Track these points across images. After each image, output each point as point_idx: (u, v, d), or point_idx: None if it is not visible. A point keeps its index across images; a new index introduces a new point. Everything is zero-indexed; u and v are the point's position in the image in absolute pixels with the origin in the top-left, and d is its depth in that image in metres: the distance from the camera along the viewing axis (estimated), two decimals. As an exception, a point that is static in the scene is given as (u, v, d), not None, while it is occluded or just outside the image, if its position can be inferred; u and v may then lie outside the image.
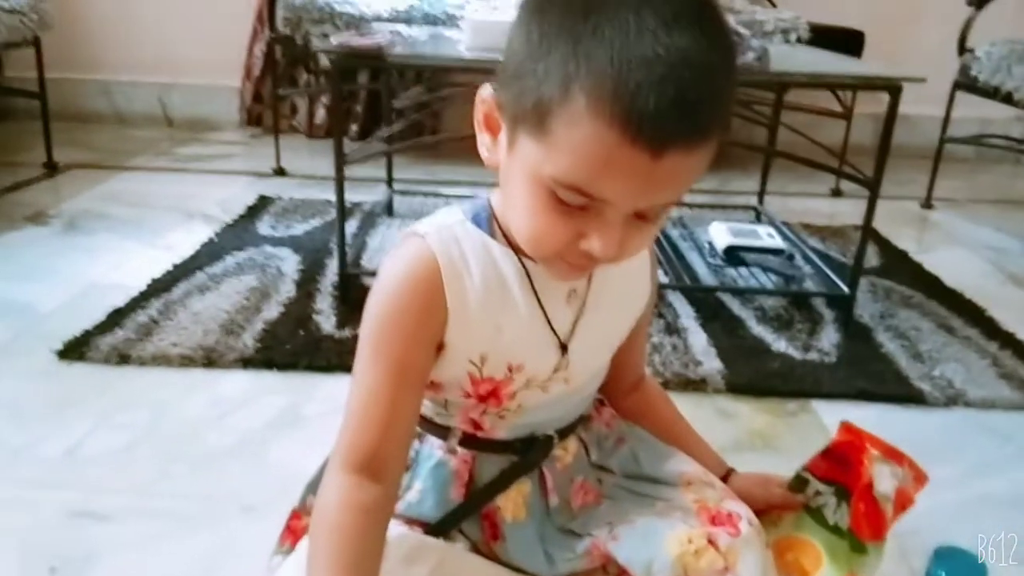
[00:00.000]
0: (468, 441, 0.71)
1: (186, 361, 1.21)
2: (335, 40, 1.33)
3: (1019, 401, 1.21)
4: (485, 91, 0.59)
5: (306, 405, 1.13)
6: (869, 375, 1.26)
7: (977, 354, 1.35)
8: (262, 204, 1.98)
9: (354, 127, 2.67)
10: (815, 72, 1.34)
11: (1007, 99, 1.94)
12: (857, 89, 1.53)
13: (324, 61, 2.51)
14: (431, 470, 0.71)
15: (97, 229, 1.78)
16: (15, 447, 1.01)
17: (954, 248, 1.98)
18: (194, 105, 2.83)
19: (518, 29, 0.55)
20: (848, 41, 2.31)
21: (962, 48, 2.22)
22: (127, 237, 1.74)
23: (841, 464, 0.69)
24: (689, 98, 0.50)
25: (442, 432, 0.71)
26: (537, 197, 0.55)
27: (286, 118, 2.73)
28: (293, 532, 0.75)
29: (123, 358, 1.21)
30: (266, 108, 2.75)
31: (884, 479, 0.65)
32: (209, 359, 1.21)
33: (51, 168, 2.21)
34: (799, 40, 2.14)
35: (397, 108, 1.89)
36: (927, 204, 2.32)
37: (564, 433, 0.73)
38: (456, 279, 0.63)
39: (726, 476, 0.77)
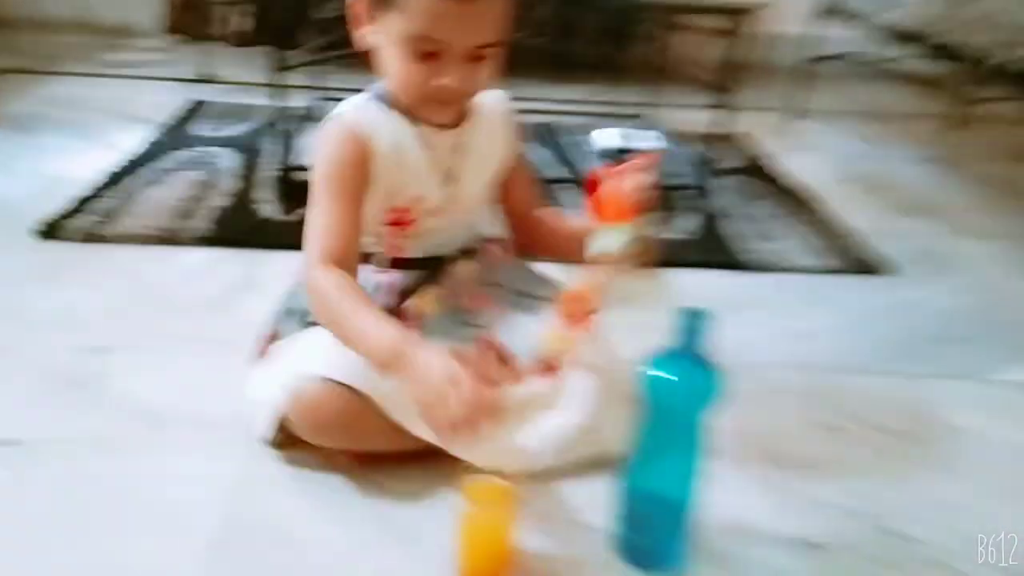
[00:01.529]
0: (393, 263, 0.98)
1: (151, 239, 1.43)
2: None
3: (823, 267, 1.55)
4: None
5: (259, 273, 1.36)
6: (710, 249, 1.58)
7: (801, 234, 1.68)
8: (196, 108, 2.15)
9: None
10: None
11: (860, 19, 2.25)
12: (708, 13, 1.78)
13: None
14: (366, 283, 0.97)
15: (44, 129, 1.93)
16: (18, 304, 1.22)
17: (811, 153, 2.30)
18: (116, 11, 2.91)
19: None
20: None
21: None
22: (74, 137, 1.90)
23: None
24: None
25: (369, 258, 0.98)
26: (403, 54, 0.87)
27: (208, 25, 2.84)
28: (264, 351, 1.01)
29: (95, 237, 1.42)
30: (189, 15, 2.85)
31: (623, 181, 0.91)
32: (171, 237, 1.44)
33: (-17, 73, 2.31)
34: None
35: (322, 17, 2.06)
36: (797, 116, 2.63)
37: (462, 254, 1.01)
38: (373, 138, 0.91)
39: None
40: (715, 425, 1.02)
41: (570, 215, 1.09)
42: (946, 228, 1.81)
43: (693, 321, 0.74)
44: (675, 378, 0.77)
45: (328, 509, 0.88)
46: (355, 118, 0.92)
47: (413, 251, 0.98)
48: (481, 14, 0.84)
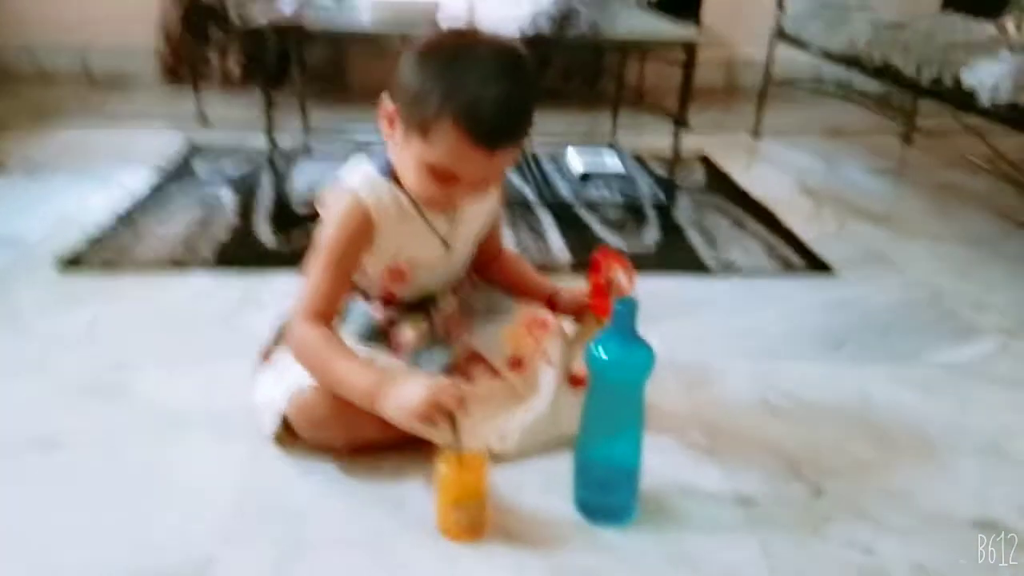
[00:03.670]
0: (386, 302, 1.13)
1: (161, 267, 1.58)
2: (261, 16, 1.68)
3: (776, 270, 1.70)
4: (387, 102, 1.00)
5: (259, 293, 1.51)
6: (674, 258, 1.73)
7: (757, 242, 1.84)
8: (193, 149, 2.31)
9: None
10: (625, 37, 1.78)
11: (804, 47, 2.43)
12: (658, 48, 1.96)
13: (236, 21, 2.81)
14: (362, 315, 1.12)
15: (54, 175, 2.08)
16: (47, 328, 1.36)
17: (768, 169, 2.47)
18: (111, 62, 3.09)
19: (410, 71, 0.96)
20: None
21: (780, 4, 2.69)
22: (83, 181, 2.05)
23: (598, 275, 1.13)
24: (509, 123, 0.94)
25: (367, 297, 1.13)
26: (421, 172, 0.99)
27: (201, 72, 3.01)
28: (267, 358, 1.15)
29: (110, 267, 1.57)
30: (182, 64, 3.03)
31: (622, 280, 1.10)
32: (180, 264, 1.58)
33: (-7, 125, 2.47)
34: (649, 2, 2.58)
35: (308, 64, 2.23)
36: (756, 135, 2.81)
37: (445, 293, 1.16)
38: (381, 215, 1.04)
39: (555, 293, 1.21)
40: (660, 405, 1.18)
41: (530, 270, 1.29)
42: (892, 232, 1.97)
43: (626, 308, 0.89)
44: (615, 355, 0.92)
45: (327, 485, 1.02)
46: (363, 193, 1.03)
47: (407, 295, 1.13)
48: (501, 159, 0.96)
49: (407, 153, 0.98)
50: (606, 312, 1.09)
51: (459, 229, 1.11)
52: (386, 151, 1.06)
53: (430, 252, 1.10)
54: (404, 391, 0.93)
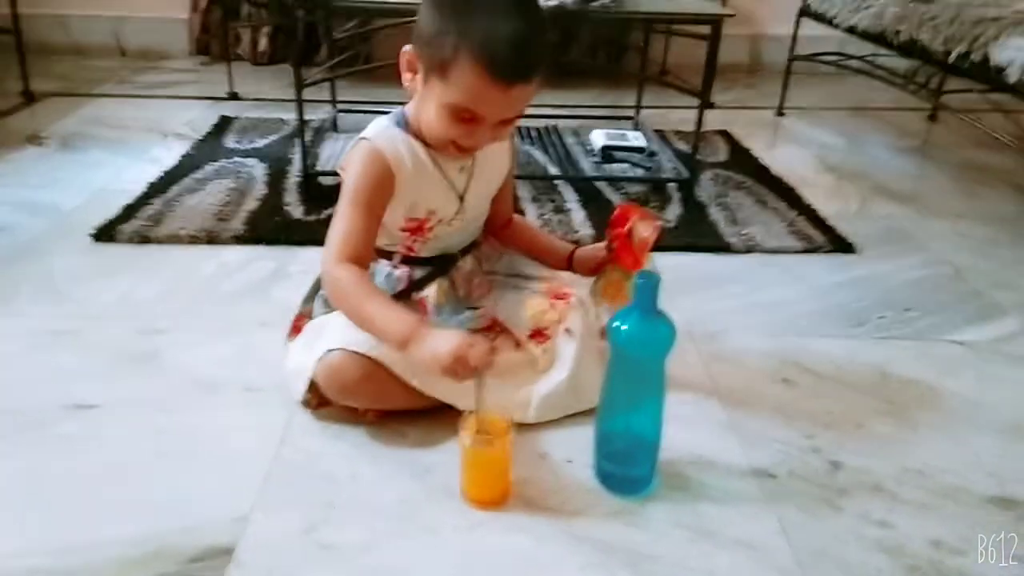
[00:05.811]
0: (405, 260, 1.16)
1: (193, 239, 1.61)
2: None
3: (798, 247, 1.71)
4: (407, 48, 1.03)
5: (290, 266, 1.54)
6: (696, 234, 1.74)
7: (779, 219, 1.84)
8: (225, 123, 2.34)
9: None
10: (650, 11, 1.78)
11: (830, 23, 2.41)
12: (686, 23, 1.94)
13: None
14: (385, 277, 1.15)
15: (89, 147, 2.13)
16: (81, 297, 1.41)
17: (791, 146, 2.46)
18: (146, 36, 3.12)
19: (427, 14, 0.99)
20: (715, -26, 2.73)
21: (806, -21, 2.66)
22: (117, 153, 2.09)
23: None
24: (524, 57, 0.96)
25: (389, 255, 1.16)
26: (443, 113, 1.01)
27: (231, 47, 3.04)
28: (297, 329, 1.18)
29: (144, 239, 1.61)
30: (213, 38, 3.06)
31: (643, 230, 1.12)
32: (210, 237, 1.62)
33: (29, 97, 2.51)
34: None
35: (336, 39, 2.25)
36: (779, 112, 2.80)
37: (464, 252, 1.19)
38: (397, 163, 1.06)
39: (573, 252, 1.24)
40: (680, 378, 1.20)
41: (543, 232, 1.35)
42: (914, 210, 1.97)
43: (649, 283, 0.91)
44: (636, 331, 0.94)
45: (357, 451, 1.06)
46: (382, 144, 1.07)
47: (425, 251, 1.16)
48: (518, 97, 0.98)
49: (429, 97, 1.01)
50: (630, 263, 1.11)
51: (473, 185, 1.14)
52: (404, 108, 1.10)
53: (447, 205, 1.12)
54: (437, 338, 0.95)
